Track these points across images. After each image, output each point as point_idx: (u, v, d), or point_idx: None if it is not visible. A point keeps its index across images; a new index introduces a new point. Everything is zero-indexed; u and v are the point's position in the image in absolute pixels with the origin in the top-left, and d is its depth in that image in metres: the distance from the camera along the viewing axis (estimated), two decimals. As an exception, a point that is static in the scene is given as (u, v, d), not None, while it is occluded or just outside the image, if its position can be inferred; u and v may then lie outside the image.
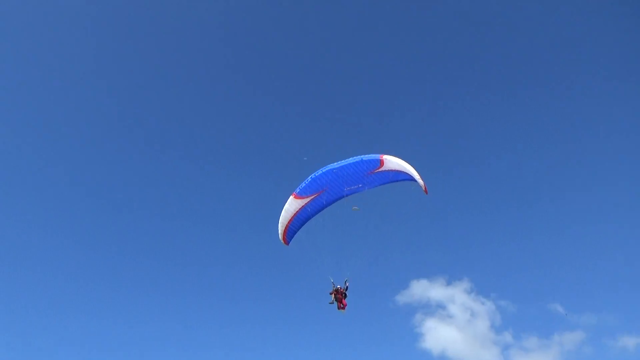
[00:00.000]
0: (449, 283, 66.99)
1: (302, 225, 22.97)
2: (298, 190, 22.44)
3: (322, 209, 22.57)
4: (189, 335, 62.29)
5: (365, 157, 21.79)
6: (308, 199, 22.29)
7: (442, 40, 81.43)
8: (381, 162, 21.65)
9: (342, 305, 24.26)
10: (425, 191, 21.26)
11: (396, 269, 71.97)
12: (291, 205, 22.51)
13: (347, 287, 24.26)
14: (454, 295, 65.55)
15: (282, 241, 23.73)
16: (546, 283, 69.48)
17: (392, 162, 21.50)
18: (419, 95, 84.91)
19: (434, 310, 64.46)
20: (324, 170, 22.08)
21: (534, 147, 78.71)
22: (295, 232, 23.23)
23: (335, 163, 22.01)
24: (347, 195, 22.33)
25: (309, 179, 22.18)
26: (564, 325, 62.76)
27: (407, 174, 21.31)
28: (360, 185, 21.99)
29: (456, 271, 70.72)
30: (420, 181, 21.04)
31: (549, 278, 69.57)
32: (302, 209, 22.39)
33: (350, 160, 21.89)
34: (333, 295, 24.13)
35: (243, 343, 63.03)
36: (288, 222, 22.82)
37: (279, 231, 23.35)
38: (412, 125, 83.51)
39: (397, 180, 21.92)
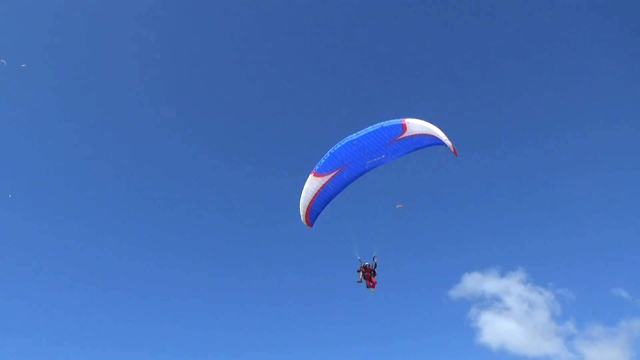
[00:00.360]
0: (502, 274, 64.19)
1: (325, 205, 21.42)
2: (317, 167, 20.80)
3: (345, 186, 20.97)
4: (223, 333, 61.36)
5: (386, 123, 19.99)
6: (329, 176, 20.65)
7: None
8: (404, 127, 19.92)
9: (371, 284, 23.24)
10: (455, 153, 19.66)
11: (446, 263, 69.97)
12: (311, 185, 20.91)
13: (375, 264, 23.07)
14: (509, 287, 62.88)
15: (305, 223, 22.30)
16: (607, 267, 65.61)
17: (416, 125, 19.78)
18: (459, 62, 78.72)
19: (489, 304, 61.90)
20: (342, 143, 20.37)
21: (588, 123, 72.08)
22: (318, 213, 21.72)
23: (354, 134, 20.30)
24: (369, 169, 20.75)
25: (328, 154, 20.52)
26: (630, 310, 59.27)
27: (434, 136, 19.59)
28: (383, 156, 20.32)
29: (509, 261, 67.33)
30: (448, 142, 19.41)
31: (610, 261, 65.53)
32: (324, 187, 20.76)
33: (370, 128, 20.11)
34: (361, 273, 23.03)
35: (300, 336, 61.98)
36: (309, 203, 21.26)
37: (301, 213, 21.86)
38: (445, 98, 76.60)
39: (423, 147, 20.26)
